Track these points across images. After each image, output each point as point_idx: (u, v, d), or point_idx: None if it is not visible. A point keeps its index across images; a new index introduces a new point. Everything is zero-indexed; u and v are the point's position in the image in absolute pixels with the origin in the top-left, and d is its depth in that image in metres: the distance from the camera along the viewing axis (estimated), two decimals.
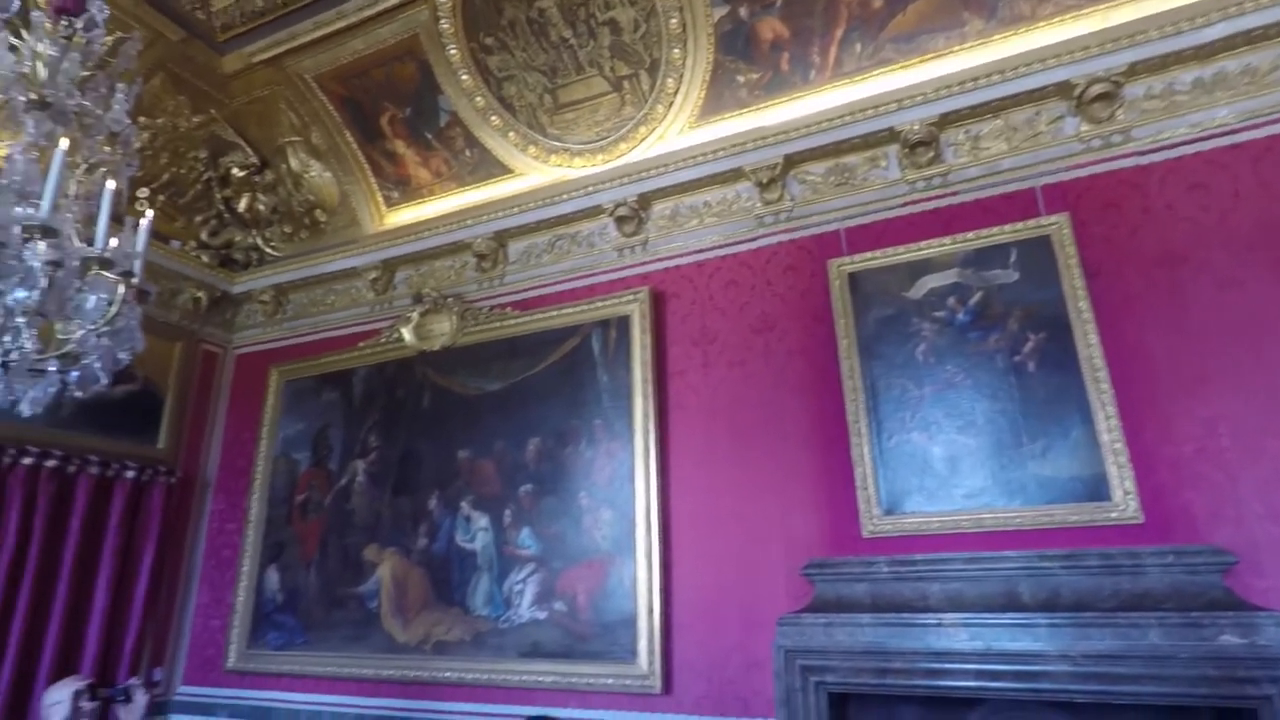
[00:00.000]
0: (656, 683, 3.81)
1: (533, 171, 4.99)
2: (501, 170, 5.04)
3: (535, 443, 4.55)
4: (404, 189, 5.38)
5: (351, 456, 5.19)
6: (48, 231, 1.63)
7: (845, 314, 3.96)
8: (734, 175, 4.39)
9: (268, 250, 5.80)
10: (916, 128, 3.92)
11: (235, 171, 5.42)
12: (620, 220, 4.67)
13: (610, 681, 3.92)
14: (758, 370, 4.16)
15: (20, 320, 1.61)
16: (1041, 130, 3.82)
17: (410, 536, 4.78)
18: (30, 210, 1.61)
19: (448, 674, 4.37)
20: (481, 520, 4.57)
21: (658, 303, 4.53)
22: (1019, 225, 3.73)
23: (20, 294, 1.59)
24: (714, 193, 4.53)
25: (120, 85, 1.97)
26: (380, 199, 5.45)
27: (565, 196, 4.76)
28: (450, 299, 5.11)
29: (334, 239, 5.60)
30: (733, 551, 3.91)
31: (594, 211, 4.75)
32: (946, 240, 3.86)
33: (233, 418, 5.91)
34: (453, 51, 4.57)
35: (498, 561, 4.45)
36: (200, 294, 5.69)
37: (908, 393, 3.74)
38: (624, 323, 4.50)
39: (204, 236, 5.61)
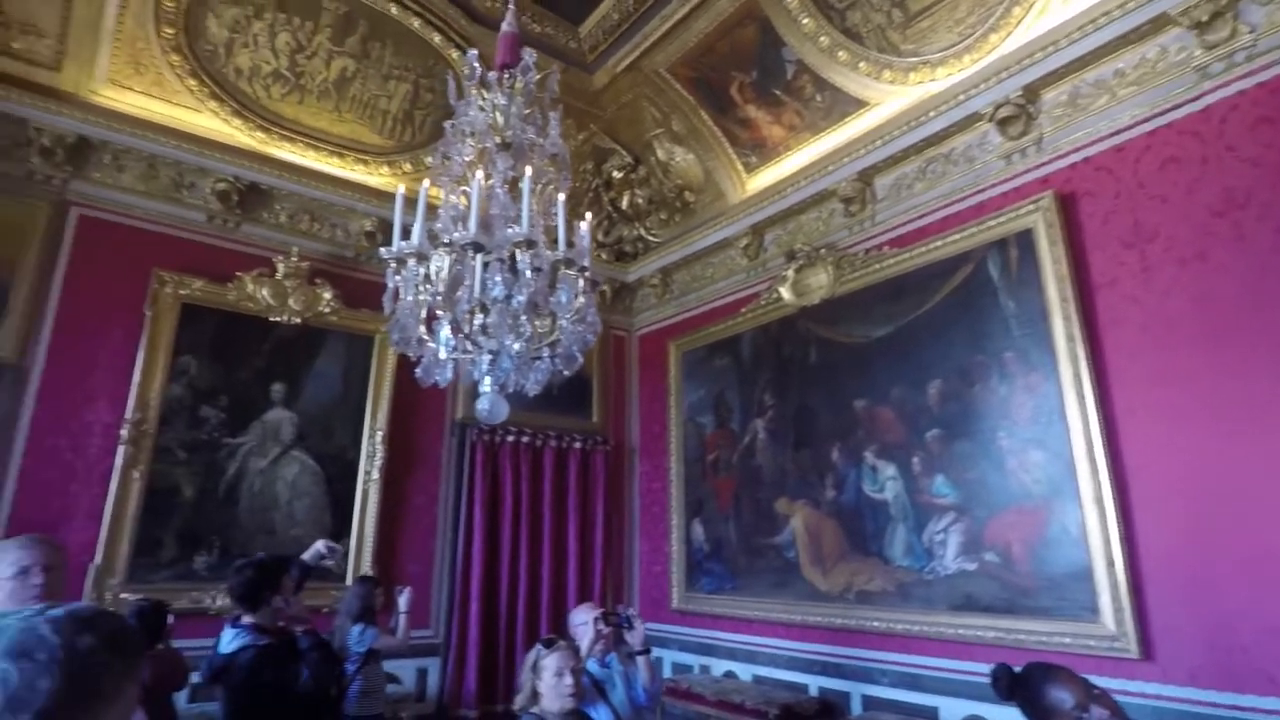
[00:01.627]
0: (1131, 646, 3.29)
1: (890, 97, 4.65)
2: (856, 106, 4.81)
3: (936, 385, 4.27)
4: (760, 151, 5.48)
5: (750, 416, 5.51)
6: (530, 244, 2.04)
7: None
8: (1154, 26, 3.51)
9: (650, 238, 6.45)
10: None
11: (615, 174, 6.13)
12: (1003, 123, 4.09)
13: (1067, 641, 3.50)
14: (1228, 262, 3.28)
15: (524, 318, 2.05)
16: None
17: (817, 488, 4.89)
18: (516, 230, 2.04)
19: (875, 624, 4.38)
20: (888, 469, 4.46)
21: (1066, 207, 3.86)
22: None
23: (521, 297, 2.03)
24: (1127, 56, 3.68)
25: (552, 115, 2.36)
26: (740, 167, 5.64)
27: (932, 114, 4.34)
28: (822, 250, 5.06)
29: (704, 215, 5.97)
30: (1221, 490, 3.16)
31: (969, 121, 4.24)
32: None
33: (644, 391, 6.73)
34: None
35: (913, 511, 4.30)
36: (605, 287, 6.60)
37: None
38: (1025, 238, 3.94)
39: (600, 237, 6.47)
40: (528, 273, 2.04)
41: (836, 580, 4.68)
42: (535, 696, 2.30)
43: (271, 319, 5.01)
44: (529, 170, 2.12)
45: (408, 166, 5.59)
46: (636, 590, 6.45)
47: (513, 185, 2.25)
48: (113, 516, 4.33)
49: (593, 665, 2.85)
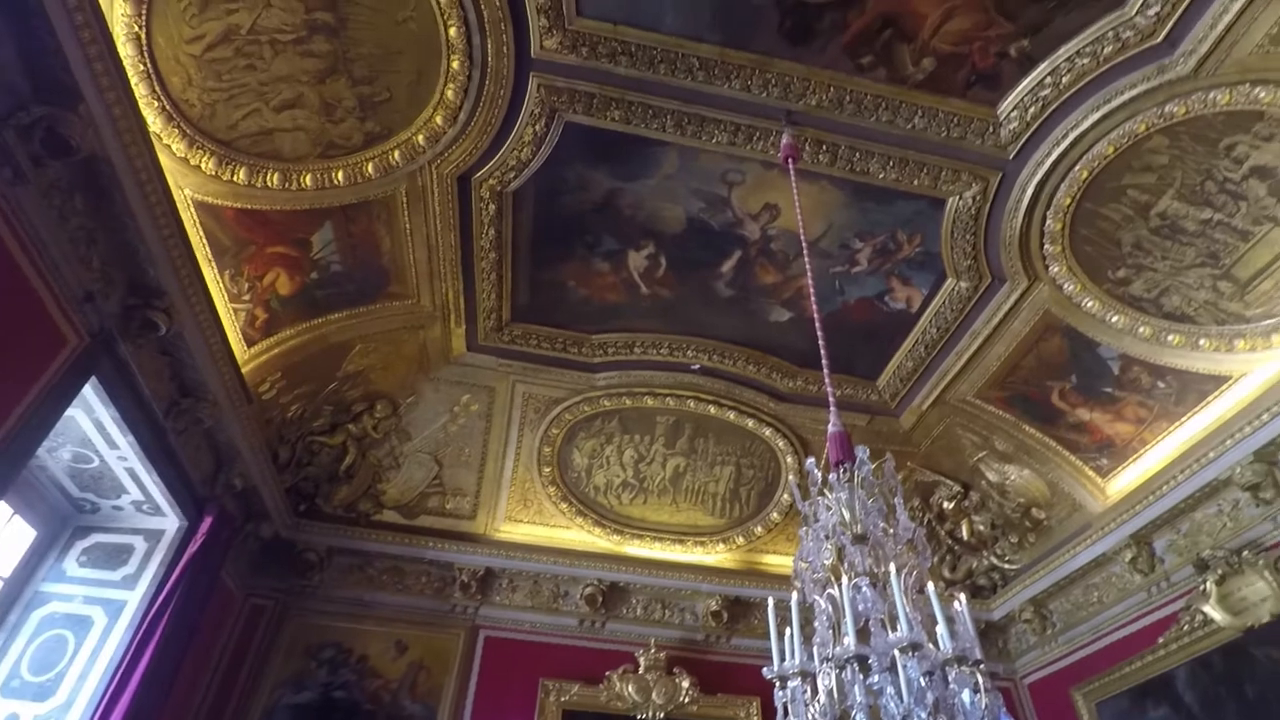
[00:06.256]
0: None
1: (1256, 365, 4.05)
2: (1214, 383, 4.25)
3: None
4: (1110, 452, 4.92)
5: None
6: (916, 646, 1.94)
7: None
8: None
9: (1005, 566, 5.75)
10: None
11: (945, 505, 5.83)
12: None
13: None
14: None
15: None
16: None
17: None
18: (897, 635, 1.97)
19: None
20: None
21: None
22: None
23: (921, 712, 1.86)
24: None
25: (897, 501, 2.43)
26: (1090, 473, 5.06)
27: None
28: (1243, 553, 4.07)
29: (1064, 532, 5.27)
30: None
31: None
32: None
33: None
34: (1089, 304, 4.37)
35: None
36: None
37: None
38: None
39: (946, 574, 5.93)
40: (920, 680, 1.91)
41: None
42: None
43: (639, 716, 5.12)
44: (893, 567, 2.12)
45: (740, 540, 5.92)
46: None
47: (874, 577, 2.24)
48: None
49: None
